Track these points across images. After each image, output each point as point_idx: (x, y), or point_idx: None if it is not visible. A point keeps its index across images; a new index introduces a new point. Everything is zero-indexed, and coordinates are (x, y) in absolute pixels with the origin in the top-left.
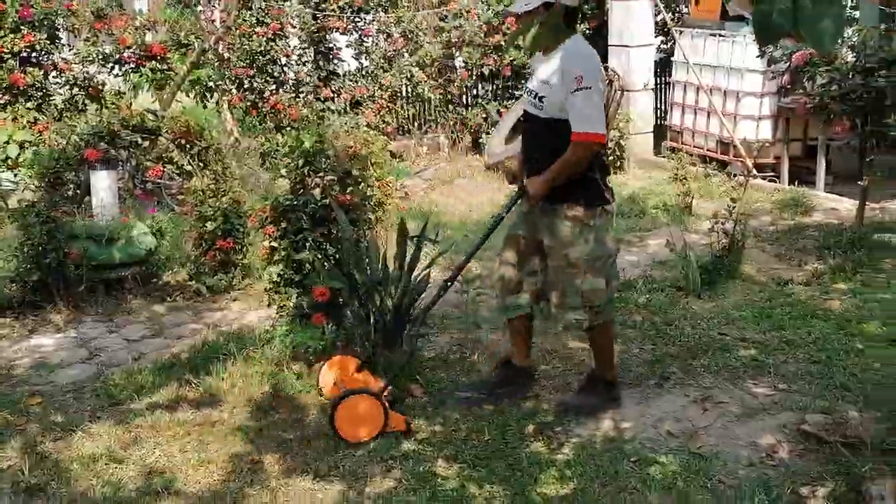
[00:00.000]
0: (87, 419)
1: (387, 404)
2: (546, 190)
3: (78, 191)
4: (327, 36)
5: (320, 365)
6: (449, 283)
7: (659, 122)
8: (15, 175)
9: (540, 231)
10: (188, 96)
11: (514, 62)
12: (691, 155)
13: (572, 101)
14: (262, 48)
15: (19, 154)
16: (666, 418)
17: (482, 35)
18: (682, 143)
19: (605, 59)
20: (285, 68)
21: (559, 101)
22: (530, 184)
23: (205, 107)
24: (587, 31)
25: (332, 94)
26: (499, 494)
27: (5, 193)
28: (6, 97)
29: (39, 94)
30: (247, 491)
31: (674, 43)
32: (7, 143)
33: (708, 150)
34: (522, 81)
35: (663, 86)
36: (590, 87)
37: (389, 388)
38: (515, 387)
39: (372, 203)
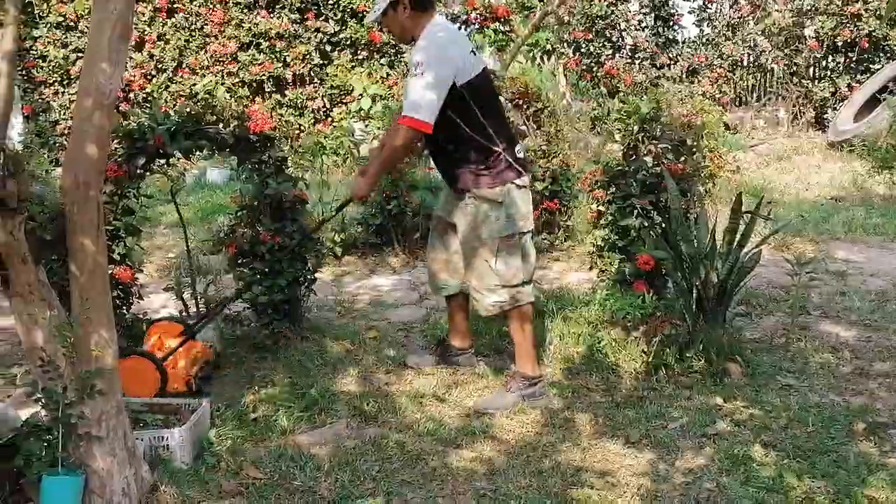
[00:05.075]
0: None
1: (164, 367)
2: (370, 188)
3: (419, 143)
4: (669, 1)
5: None
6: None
7: None
8: (366, 125)
9: (453, 213)
10: (524, 58)
11: (874, 33)
12: None
13: (406, 87)
14: (603, 12)
15: (371, 106)
16: None
17: (839, 2)
18: None
19: None
20: (624, 33)
21: None
22: (354, 186)
23: (539, 69)
24: None
25: (668, 62)
26: (820, 490)
27: (357, 142)
28: (364, 53)
29: (392, 50)
30: (559, 446)
31: None
32: (362, 95)
33: None
34: (881, 54)
35: None
36: (422, 73)
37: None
38: (454, 366)
39: (703, 175)
